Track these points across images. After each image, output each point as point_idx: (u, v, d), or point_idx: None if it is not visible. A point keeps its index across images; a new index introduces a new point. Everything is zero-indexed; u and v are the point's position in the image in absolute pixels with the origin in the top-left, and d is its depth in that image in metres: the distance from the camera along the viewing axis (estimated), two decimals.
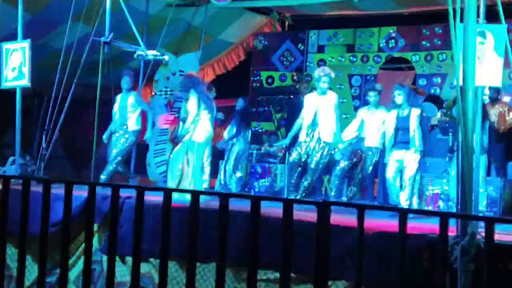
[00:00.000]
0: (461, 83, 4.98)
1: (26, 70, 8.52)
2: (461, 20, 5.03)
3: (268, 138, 11.70)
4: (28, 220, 4.71)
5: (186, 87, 8.07)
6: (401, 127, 7.67)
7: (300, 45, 12.54)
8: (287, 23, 13.30)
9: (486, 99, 8.45)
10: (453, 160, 7.49)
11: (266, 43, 12.88)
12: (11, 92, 8.85)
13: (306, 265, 4.30)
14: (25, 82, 8.58)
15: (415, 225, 5.68)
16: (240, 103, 10.55)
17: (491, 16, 6.12)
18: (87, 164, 8.65)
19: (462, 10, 5.00)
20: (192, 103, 7.88)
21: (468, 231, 4.64)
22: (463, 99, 4.89)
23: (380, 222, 5.47)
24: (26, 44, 8.53)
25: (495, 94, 8.52)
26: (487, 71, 5.81)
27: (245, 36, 13.08)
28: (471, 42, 4.92)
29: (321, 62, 12.19)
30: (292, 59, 12.57)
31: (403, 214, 3.72)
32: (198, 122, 7.89)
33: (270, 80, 12.70)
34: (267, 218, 5.43)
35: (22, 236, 4.65)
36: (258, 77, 12.81)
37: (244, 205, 4.49)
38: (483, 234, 3.82)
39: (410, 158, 7.51)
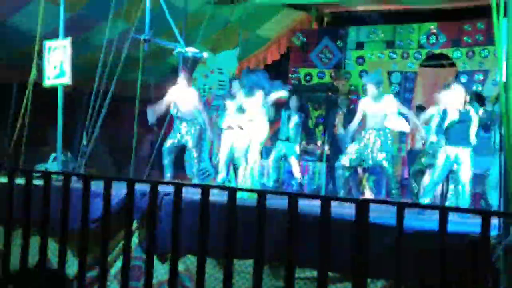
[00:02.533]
0: (504, 79, 4.88)
1: (67, 67, 8.60)
2: (505, 15, 4.92)
3: (306, 136, 11.67)
4: (69, 216, 4.78)
5: (254, 83, 8.07)
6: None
7: (339, 41, 12.46)
8: (325, 19, 13.23)
9: None
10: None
11: (304, 39, 12.82)
12: (52, 90, 8.97)
13: (345, 263, 4.26)
14: (66, 80, 8.66)
15: (456, 224, 5.59)
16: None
17: None
18: (128, 161, 8.72)
19: (505, 4, 4.89)
20: (257, 101, 7.93)
21: (511, 230, 4.54)
22: (506, 96, 4.78)
23: (420, 220, 5.41)
24: (67, 42, 8.62)
25: None
26: None
27: (282, 33, 13.05)
28: None
29: (360, 59, 12.10)
30: (331, 56, 12.49)
31: (443, 212, 3.66)
32: (258, 120, 7.97)
33: (308, 77, 12.65)
34: (305, 215, 5.41)
35: (63, 232, 4.72)
36: (296, 74, 12.77)
37: (280, 203, 4.48)
38: None
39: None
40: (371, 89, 8.02)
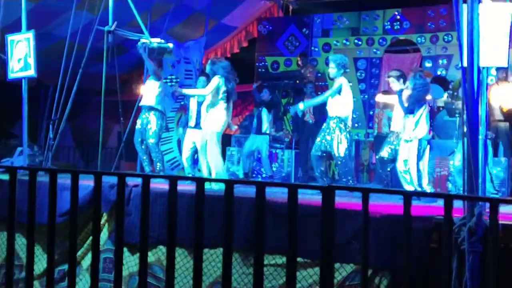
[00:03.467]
0: (465, 64, 4.96)
1: (31, 60, 8.51)
2: (465, 1, 5.00)
3: (274, 124, 11.72)
4: (37, 210, 4.73)
5: (213, 72, 7.83)
6: None
7: (304, 29, 12.49)
8: (291, 7, 13.25)
9: (493, 80, 8.42)
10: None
11: (270, 28, 12.84)
12: (17, 83, 8.86)
13: (314, 250, 4.31)
14: (31, 72, 8.57)
15: (423, 207, 5.70)
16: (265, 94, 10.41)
17: None
18: (96, 153, 8.65)
19: None
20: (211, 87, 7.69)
21: (475, 212, 4.64)
22: (468, 80, 4.87)
23: (388, 205, 5.49)
24: (30, 35, 8.52)
25: (503, 75, 8.48)
26: (492, 52, 5.77)
27: (248, 21, 13.04)
28: (475, 23, 4.88)
29: (326, 46, 12.16)
30: (297, 43, 12.53)
31: (407, 196, 3.72)
32: (214, 109, 7.73)
33: (275, 66, 12.68)
34: (273, 203, 5.46)
35: (30, 226, 4.67)
36: (263, 63, 12.78)
37: (251, 191, 4.50)
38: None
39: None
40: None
